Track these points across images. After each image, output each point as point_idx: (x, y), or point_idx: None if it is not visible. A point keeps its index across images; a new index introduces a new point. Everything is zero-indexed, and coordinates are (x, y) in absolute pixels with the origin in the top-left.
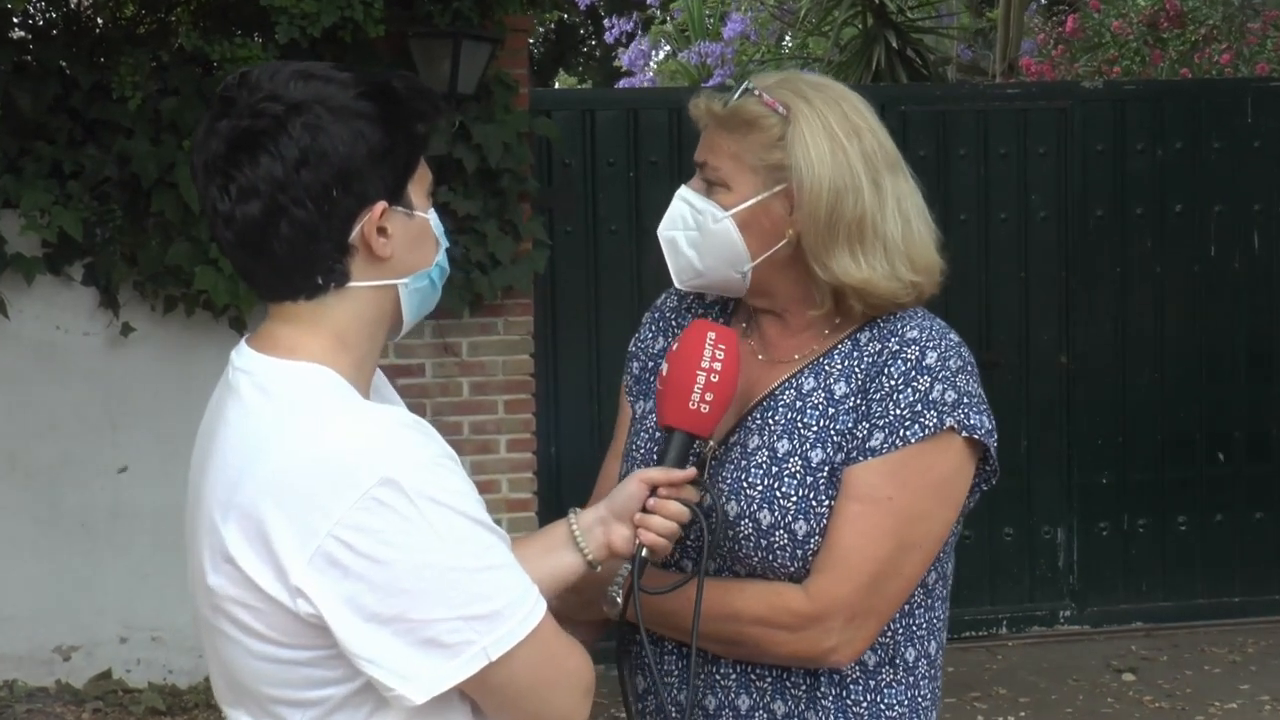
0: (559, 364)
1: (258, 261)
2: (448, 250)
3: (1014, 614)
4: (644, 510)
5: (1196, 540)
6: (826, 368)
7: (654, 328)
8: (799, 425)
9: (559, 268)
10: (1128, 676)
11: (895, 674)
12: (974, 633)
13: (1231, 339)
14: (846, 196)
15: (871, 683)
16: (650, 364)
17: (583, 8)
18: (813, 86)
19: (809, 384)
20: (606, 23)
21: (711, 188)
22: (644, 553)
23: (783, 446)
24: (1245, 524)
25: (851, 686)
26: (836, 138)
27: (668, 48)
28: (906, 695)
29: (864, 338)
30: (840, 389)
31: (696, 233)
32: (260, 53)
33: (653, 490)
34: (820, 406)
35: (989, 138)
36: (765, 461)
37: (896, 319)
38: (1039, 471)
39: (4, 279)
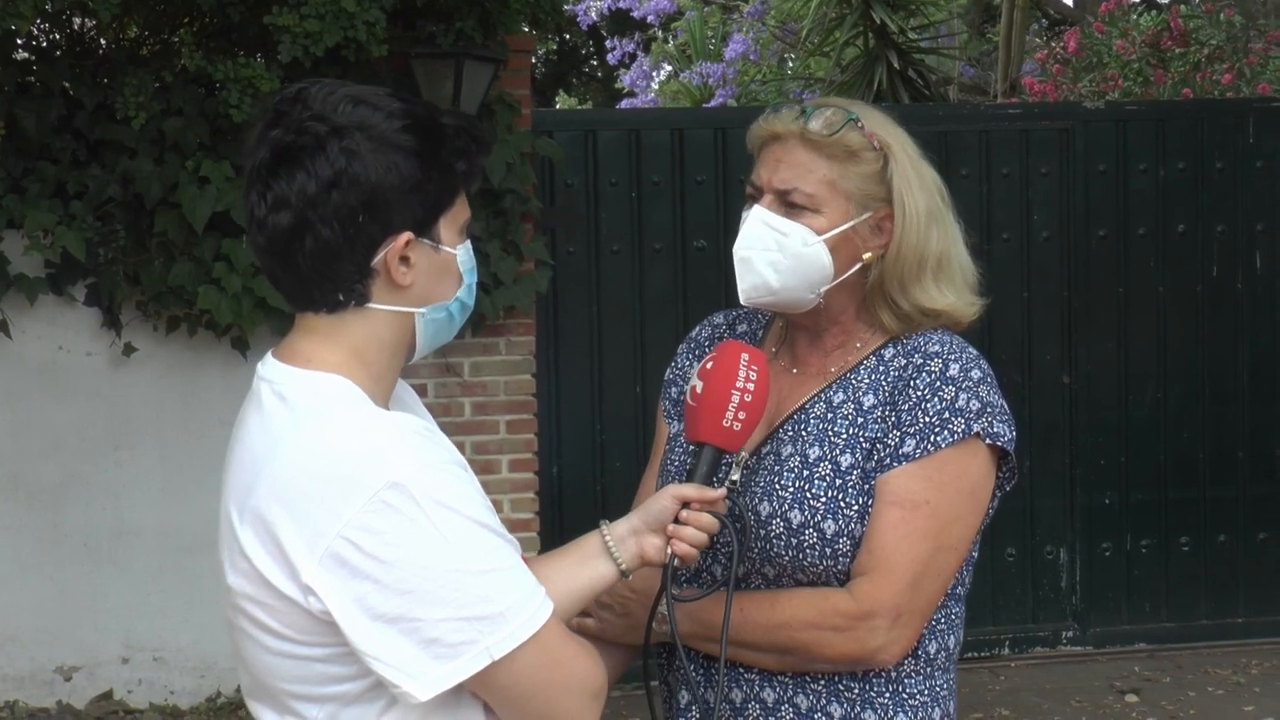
0: (561, 384)
1: (284, 270)
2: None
3: (1016, 635)
4: (676, 521)
5: (1200, 561)
6: (854, 382)
7: (690, 357)
8: (829, 433)
9: (561, 288)
10: (1131, 698)
11: (916, 665)
12: (976, 654)
13: (1234, 359)
14: (933, 229)
15: (893, 674)
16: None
17: (585, 28)
18: (888, 119)
19: (839, 397)
20: (609, 43)
21: (796, 210)
22: (675, 562)
23: (814, 452)
24: (1248, 545)
25: (874, 679)
26: (922, 172)
27: (669, 68)
28: (925, 685)
29: (888, 354)
30: (868, 400)
31: (779, 254)
32: (264, 72)
33: (685, 504)
34: (850, 416)
35: (991, 158)
36: (797, 466)
37: (918, 336)
38: (1042, 492)
39: (7, 299)
